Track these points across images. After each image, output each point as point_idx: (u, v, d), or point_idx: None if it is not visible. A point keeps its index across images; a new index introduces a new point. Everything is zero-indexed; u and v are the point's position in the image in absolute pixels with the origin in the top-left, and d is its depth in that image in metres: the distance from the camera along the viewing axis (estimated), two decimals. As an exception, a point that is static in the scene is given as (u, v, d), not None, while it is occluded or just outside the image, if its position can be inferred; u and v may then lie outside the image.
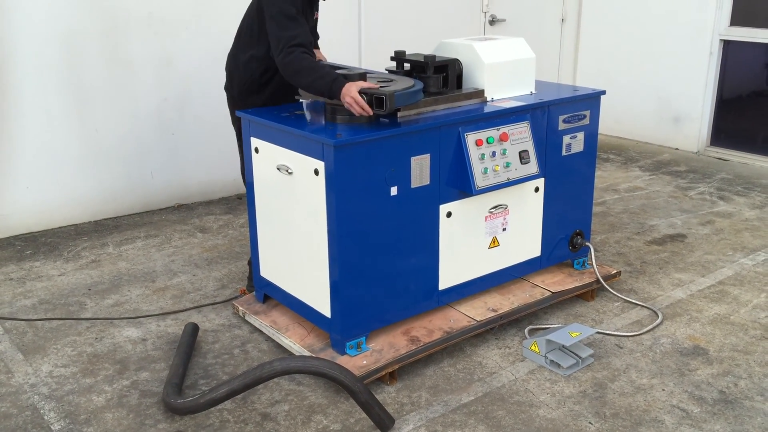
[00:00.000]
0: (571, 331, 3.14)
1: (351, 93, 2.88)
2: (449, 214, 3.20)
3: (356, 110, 2.90)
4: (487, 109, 3.28)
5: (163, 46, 4.87)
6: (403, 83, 3.10)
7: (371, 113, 2.91)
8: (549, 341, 3.12)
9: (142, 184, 5.00)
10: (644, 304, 3.67)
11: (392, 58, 3.48)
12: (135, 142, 4.91)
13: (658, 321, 3.50)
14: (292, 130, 2.99)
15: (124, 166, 4.90)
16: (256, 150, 3.25)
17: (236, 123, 3.47)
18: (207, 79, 5.04)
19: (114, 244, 4.49)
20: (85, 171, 4.76)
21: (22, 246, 4.45)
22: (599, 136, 6.94)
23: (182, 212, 5.05)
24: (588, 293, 3.71)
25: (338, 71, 3.08)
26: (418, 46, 4.15)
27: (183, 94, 5.03)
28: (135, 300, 3.76)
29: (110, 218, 4.90)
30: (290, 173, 3.05)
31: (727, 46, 6.29)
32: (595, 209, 5.02)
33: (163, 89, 4.94)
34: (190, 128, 5.10)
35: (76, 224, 4.78)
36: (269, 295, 3.48)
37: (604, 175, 5.89)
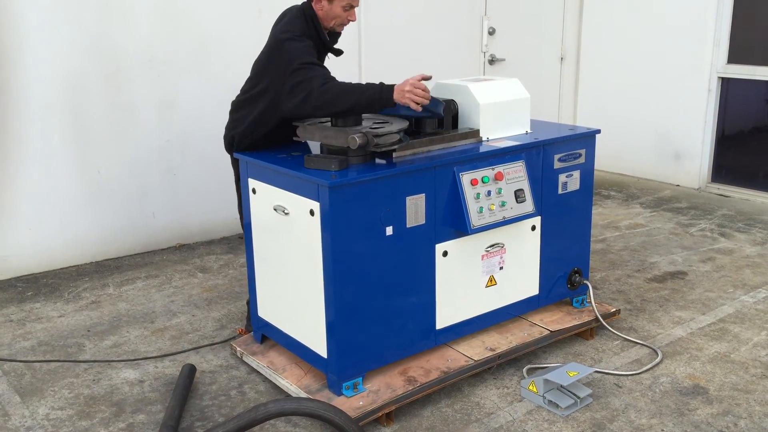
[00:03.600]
0: (569, 371, 3.12)
1: (406, 86, 2.93)
2: (445, 254, 3.21)
3: (419, 98, 2.95)
4: (482, 149, 3.31)
5: (165, 88, 4.95)
6: (399, 124, 3.14)
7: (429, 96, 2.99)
8: (547, 381, 3.10)
9: (144, 224, 5.04)
10: (644, 343, 3.64)
11: (388, 100, 3.52)
12: (137, 183, 4.96)
13: (658, 360, 3.47)
14: (288, 171, 3.02)
15: (125, 206, 4.94)
16: (254, 191, 3.29)
17: (235, 164, 3.50)
18: (209, 121, 5.11)
19: (114, 285, 4.50)
20: (87, 212, 4.80)
21: (23, 287, 4.47)
22: (600, 173, 7.02)
23: (183, 252, 5.07)
24: (587, 332, 3.69)
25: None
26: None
27: (185, 135, 5.09)
28: (133, 341, 3.76)
29: (112, 259, 4.93)
30: (287, 214, 3.08)
31: (726, 83, 6.34)
32: (596, 246, 5.02)
33: (165, 131, 5.01)
34: (192, 169, 5.15)
35: (77, 265, 4.81)
36: (267, 335, 3.47)
37: (605, 212, 5.90)
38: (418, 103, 3.01)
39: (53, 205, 4.67)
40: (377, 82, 3.04)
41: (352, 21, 3.26)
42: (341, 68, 5.75)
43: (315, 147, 3.28)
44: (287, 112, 3.11)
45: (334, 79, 3.04)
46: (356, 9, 3.28)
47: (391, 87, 2.99)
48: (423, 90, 2.95)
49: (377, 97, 2.96)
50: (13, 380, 3.38)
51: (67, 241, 4.78)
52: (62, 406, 3.17)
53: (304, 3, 3.33)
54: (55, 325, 3.96)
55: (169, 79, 4.94)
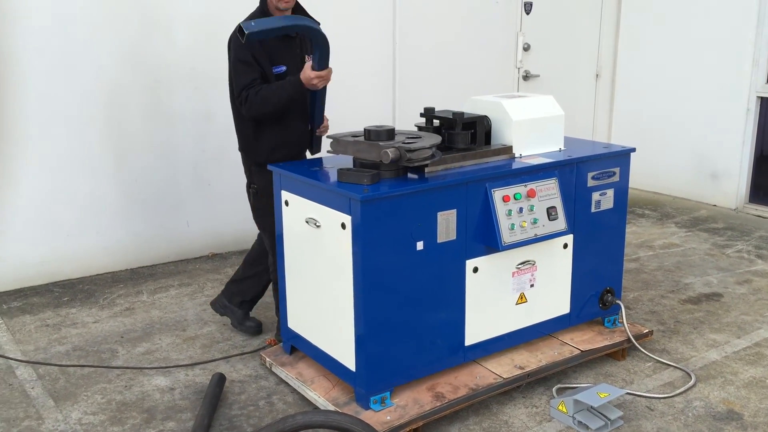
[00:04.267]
0: (599, 392, 3.08)
1: (311, 75, 3.34)
2: (476, 270, 3.20)
3: (324, 80, 3.38)
4: (514, 166, 3.30)
5: (203, 100, 5.03)
6: (431, 140, 3.15)
7: (330, 70, 3.39)
8: (577, 401, 3.06)
9: (178, 233, 5.11)
10: (677, 365, 3.59)
11: (422, 115, 3.54)
12: (172, 193, 5.04)
13: (691, 383, 3.41)
14: (320, 184, 3.05)
15: (161, 215, 5.02)
16: (286, 203, 3.32)
17: (249, 175, 3.75)
18: (244, 132, 5.18)
19: (148, 292, 4.57)
20: (123, 220, 4.89)
21: (60, 292, 4.57)
22: (634, 191, 6.94)
23: (216, 261, 5.13)
24: (619, 352, 3.65)
25: (368, 129, 3.14)
26: (451, 101, 4.22)
27: (221, 146, 5.16)
28: (165, 348, 3.81)
29: (146, 266, 5.01)
30: (318, 226, 3.10)
31: (765, 102, 6.24)
32: (629, 266, 4.96)
33: (202, 141, 5.09)
34: (227, 180, 5.21)
35: (113, 272, 4.89)
36: (296, 346, 3.49)
37: (639, 231, 5.83)
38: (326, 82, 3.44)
39: (91, 213, 4.77)
40: (286, 79, 3.45)
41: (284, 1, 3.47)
42: (377, 84, 5.84)
43: (348, 160, 3.30)
44: (248, 117, 3.54)
45: (251, 88, 3.42)
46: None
47: (299, 79, 3.38)
48: (326, 74, 3.38)
49: (295, 88, 3.38)
50: (47, 384, 3.44)
51: (103, 247, 4.87)
52: (95, 411, 3.22)
53: None
54: (90, 330, 4.03)
55: (207, 92, 5.02)
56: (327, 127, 3.74)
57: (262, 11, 3.54)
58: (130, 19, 4.71)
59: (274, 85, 3.43)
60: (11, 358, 3.67)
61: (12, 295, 4.51)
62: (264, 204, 3.60)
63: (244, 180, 5.38)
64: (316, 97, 3.58)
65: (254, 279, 3.93)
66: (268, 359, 3.53)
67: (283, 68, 3.53)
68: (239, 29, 3.09)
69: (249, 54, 3.41)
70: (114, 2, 4.63)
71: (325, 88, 3.55)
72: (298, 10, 3.64)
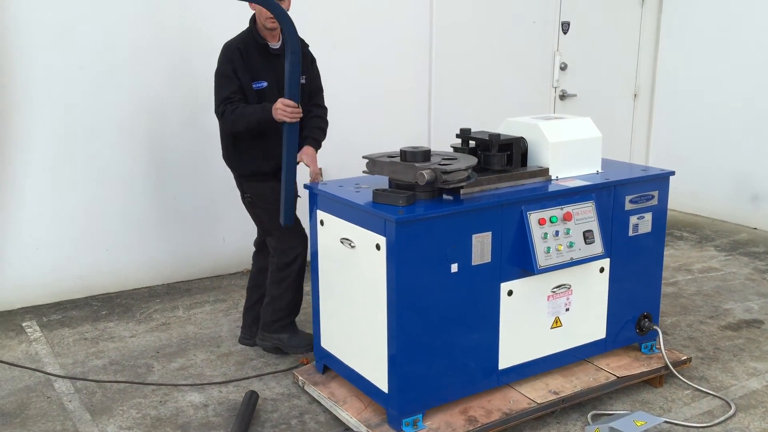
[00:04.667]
0: (636, 420, 3.02)
1: (277, 105, 3.37)
2: (510, 293, 3.18)
3: (288, 113, 3.37)
4: (550, 188, 3.28)
5: (240, 118, 5.09)
6: (467, 161, 3.15)
7: (296, 104, 3.39)
8: (613, 429, 3.01)
9: (214, 249, 5.17)
10: (716, 394, 3.50)
11: (457, 136, 3.54)
12: (209, 209, 5.11)
13: (731, 412, 3.33)
14: (355, 205, 3.06)
15: (197, 231, 5.09)
16: (321, 222, 3.34)
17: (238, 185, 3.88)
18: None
19: (184, 308, 4.62)
20: (161, 235, 4.97)
21: (98, 306, 4.64)
22: (672, 213, 6.83)
23: (250, 278, 5.17)
24: (656, 379, 3.58)
25: (404, 150, 3.15)
26: (487, 120, 4.22)
27: (257, 164, 5.21)
28: (200, 365, 3.85)
29: (182, 281, 5.07)
30: (353, 247, 3.11)
31: (809, 124, 6.11)
32: (667, 290, 4.88)
33: (239, 159, 5.15)
34: (262, 197, 5.27)
35: (150, 286, 4.97)
36: (329, 366, 3.50)
37: (677, 254, 5.73)
38: (290, 118, 3.41)
39: (130, 227, 4.85)
40: (261, 105, 3.51)
41: (270, 19, 3.49)
42: (413, 103, 5.85)
43: (383, 180, 3.31)
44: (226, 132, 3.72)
45: (230, 103, 3.54)
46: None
47: (269, 108, 3.43)
48: (291, 107, 3.38)
49: (264, 117, 3.44)
50: (84, 398, 3.50)
51: (141, 262, 4.94)
52: (130, 425, 3.26)
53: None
54: (127, 345, 4.09)
55: (244, 110, 5.09)
56: (318, 180, 3.60)
57: (250, 31, 3.64)
58: (171, 37, 4.81)
59: (250, 107, 3.52)
60: (49, 373, 3.73)
61: (52, 308, 4.60)
62: (262, 210, 3.75)
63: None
64: (285, 131, 3.48)
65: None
66: (300, 378, 3.54)
67: (264, 84, 3.61)
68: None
69: (230, 67, 3.54)
70: (155, 21, 4.73)
71: (296, 128, 3.49)
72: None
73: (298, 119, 3.46)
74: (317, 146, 3.77)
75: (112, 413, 3.36)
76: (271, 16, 3.44)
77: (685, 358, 3.68)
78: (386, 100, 5.75)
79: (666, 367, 3.57)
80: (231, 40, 3.66)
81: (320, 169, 3.68)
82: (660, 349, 3.63)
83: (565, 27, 6.58)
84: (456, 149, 3.53)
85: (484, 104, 6.04)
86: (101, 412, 3.38)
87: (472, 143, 3.49)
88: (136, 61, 4.71)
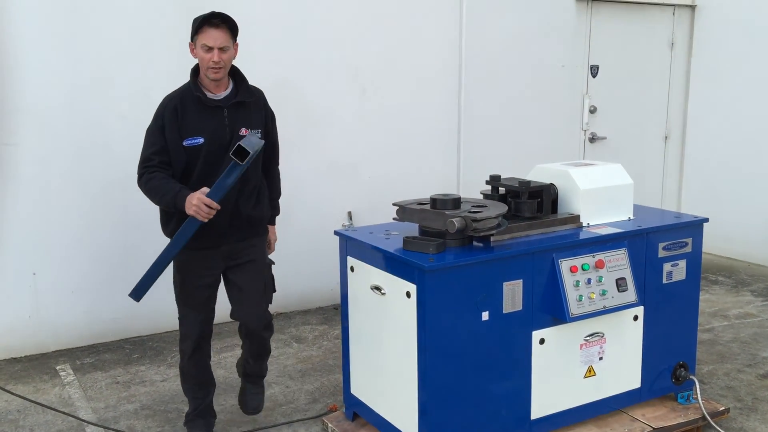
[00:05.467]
0: (673, 474, 2.94)
1: (193, 200, 3.03)
2: (542, 341, 3.14)
3: (202, 214, 3.03)
4: (582, 236, 3.27)
5: (272, 163, 5.17)
6: (497, 209, 3.15)
7: (217, 207, 3.05)
8: (649, 483, 2.93)
9: (245, 292, 5.20)
10: (756, 447, 3.41)
11: (487, 182, 3.55)
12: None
13: (773, 467, 3.23)
14: (386, 252, 3.07)
15: (229, 275, 5.12)
16: (352, 269, 3.35)
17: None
18: (310, 193, 5.30)
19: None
20: (193, 279, 5.01)
21: (130, 349, 4.69)
22: (707, 256, 6.73)
23: (280, 321, 5.19)
24: (693, 430, 3.49)
25: (434, 197, 3.16)
26: (517, 164, 4.22)
27: (286, 207, 5.15)
28: (229, 410, 3.85)
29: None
30: (383, 294, 3.12)
31: None
32: (703, 336, 4.78)
33: (270, 203, 5.21)
34: (292, 239, 5.29)
35: (181, 330, 4.99)
36: (358, 413, 3.47)
37: (713, 299, 5.62)
38: (203, 218, 3.07)
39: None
40: (177, 188, 3.10)
41: (215, 61, 3.09)
42: (442, 148, 5.88)
43: (413, 228, 3.32)
44: None
45: (149, 166, 3.16)
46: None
47: (184, 197, 3.06)
48: (207, 205, 3.03)
49: (172, 204, 3.09)
50: (115, 442, 3.52)
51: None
52: (159, 472, 3.26)
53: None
54: (158, 389, 4.11)
55: (276, 154, 5.17)
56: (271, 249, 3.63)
57: (194, 84, 3.19)
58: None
59: (166, 185, 3.10)
60: (81, 419, 3.75)
61: (85, 351, 4.65)
62: (178, 288, 3.47)
63: (309, 240, 5.51)
64: (187, 223, 3.12)
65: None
66: (330, 425, 3.52)
67: (199, 140, 3.16)
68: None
69: (158, 124, 3.18)
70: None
71: (197, 223, 3.10)
72: (238, 78, 3.30)
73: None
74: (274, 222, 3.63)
75: (142, 459, 3.37)
76: (215, 64, 3.09)
77: (723, 408, 3.59)
78: (415, 145, 5.79)
79: (703, 417, 3.48)
80: (170, 94, 3.26)
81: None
82: (697, 399, 3.55)
83: (594, 71, 6.60)
84: (486, 196, 3.54)
85: (513, 148, 6.05)
86: (132, 457, 3.39)
87: (502, 190, 3.50)
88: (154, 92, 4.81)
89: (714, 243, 6.58)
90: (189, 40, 3.19)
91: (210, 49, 3.10)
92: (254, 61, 5.01)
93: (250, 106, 3.29)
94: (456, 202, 3.15)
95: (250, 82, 5.26)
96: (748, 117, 6.56)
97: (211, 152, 3.18)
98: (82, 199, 4.65)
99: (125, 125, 4.68)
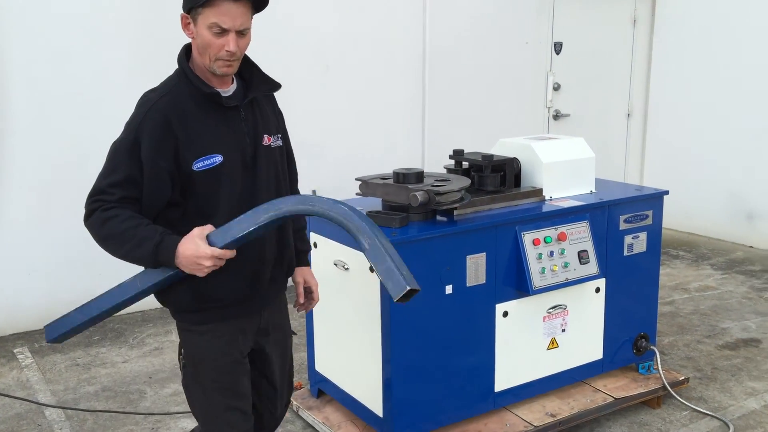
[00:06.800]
0: (634, 442, 2.99)
1: (196, 251, 2.00)
2: (506, 314, 3.15)
3: (207, 269, 2.02)
4: (544, 209, 3.27)
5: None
6: (460, 182, 3.14)
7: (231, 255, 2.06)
8: (610, 451, 2.97)
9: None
10: (714, 414, 3.47)
11: (451, 157, 3.54)
12: (203, 232, 5.07)
13: (730, 433, 3.30)
14: (349, 228, 3.04)
15: (191, 255, 5.05)
16: (315, 245, 3.32)
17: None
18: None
19: (177, 332, 4.57)
20: (154, 259, 4.92)
21: (90, 331, 4.60)
22: (668, 231, 6.82)
23: (245, 301, 5.13)
24: (654, 400, 3.54)
25: (397, 171, 3.13)
26: (481, 141, 4.21)
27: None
28: (178, 391, 3.79)
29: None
30: (347, 269, 3.09)
31: (802, 142, 6.13)
32: (664, 309, 4.85)
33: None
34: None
35: (143, 311, 4.92)
36: (323, 390, 3.46)
37: (674, 273, 5.71)
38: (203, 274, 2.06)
39: (123, 252, 4.81)
40: (158, 234, 2.03)
41: (230, 51, 2.08)
42: (407, 125, 5.86)
43: (376, 202, 3.29)
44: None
45: (112, 215, 2.06)
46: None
47: (173, 245, 2.02)
48: (216, 261, 2.03)
49: (150, 256, 2.03)
50: (75, 425, 3.45)
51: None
52: (121, 453, 3.22)
53: (180, 51, 2.26)
54: (119, 370, 4.05)
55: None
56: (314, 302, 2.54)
57: (184, 76, 2.18)
58: (167, 65, 4.77)
59: (135, 228, 2.04)
60: (40, 403, 3.68)
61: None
62: (193, 381, 2.26)
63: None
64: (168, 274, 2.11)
65: None
66: (295, 402, 3.50)
67: (217, 159, 2.12)
68: None
69: (133, 138, 2.09)
70: (151, 48, 4.72)
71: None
72: (246, 63, 2.28)
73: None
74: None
75: (103, 441, 3.32)
76: (230, 56, 2.09)
77: (683, 378, 3.65)
78: (380, 122, 5.76)
79: (664, 387, 3.54)
80: (151, 92, 2.22)
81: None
82: (657, 369, 3.61)
83: (558, 47, 6.61)
84: (449, 171, 3.52)
85: (477, 125, 6.05)
86: (92, 439, 3.33)
87: (465, 164, 3.49)
88: (132, 88, 4.68)
89: (675, 219, 6.70)
90: (181, 11, 2.13)
91: (224, 32, 2.06)
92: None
93: (261, 102, 2.31)
94: (419, 176, 3.12)
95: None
96: (708, 94, 6.64)
97: (232, 175, 2.14)
98: (37, 179, 4.53)
99: (81, 102, 4.56)
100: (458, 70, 6.04)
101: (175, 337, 4.49)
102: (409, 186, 3.03)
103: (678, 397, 3.56)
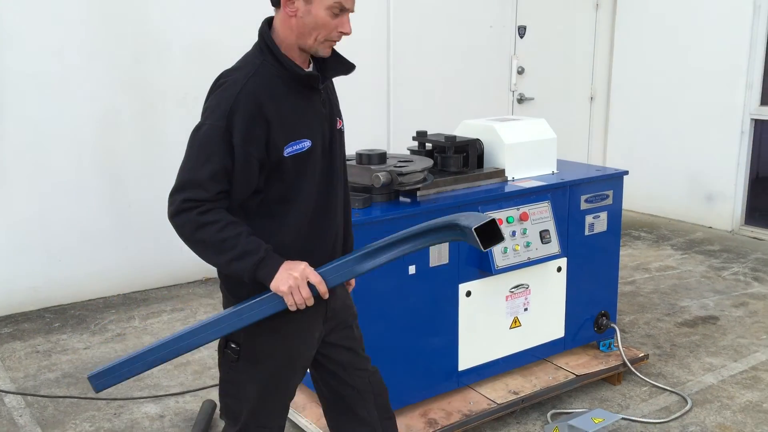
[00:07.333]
0: (594, 417, 3.04)
1: (297, 271, 1.94)
2: (469, 294, 3.18)
3: (299, 302, 1.95)
4: (507, 189, 3.30)
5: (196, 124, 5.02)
6: (423, 163, 3.14)
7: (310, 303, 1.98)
8: (572, 427, 3.02)
9: (171, 258, 5.07)
10: (673, 390, 3.55)
11: (414, 138, 3.54)
12: (165, 217, 5.00)
13: (687, 408, 3.37)
14: (312, 209, 3.03)
15: (154, 240, 4.99)
16: (278, 227, 3.30)
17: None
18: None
19: (140, 318, 4.53)
20: (116, 245, 4.86)
21: (51, 318, 4.53)
22: (630, 213, 6.93)
23: (209, 286, 5.10)
24: (614, 377, 3.61)
25: (359, 152, 3.12)
26: (446, 124, 4.22)
27: (214, 170, 5.15)
28: (156, 375, 3.77)
29: (138, 291, 4.97)
30: (310, 251, 3.08)
31: (760, 125, 6.25)
32: (625, 288, 4.94)
33: (196, 166, 5.07)
34: (220, 204, 5.20)
35: (105, 297, 4.86)
36: (288, 372, 3.45)
37: (635, 254, 5.81)
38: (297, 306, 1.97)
39: (83, 238, 4.74)
40: (262, 250, 1.94)
41: (346, 34, 2.07)
42: (371, 107, 5.85)
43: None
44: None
45: (214, 219, 1.94)
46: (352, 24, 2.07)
47: (275, 266, 1.95)
48: (316, 293, 1.99)
49: (250, 272, 1.94)
50: (36, 412, 3.40)
51: (95, 273, 4.83)
52: (83, 439, 3.18)
53: (261, 26, 2.11)
54: (80, 357, 3.99)
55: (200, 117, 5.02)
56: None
57: (272, 54, 2.03)
58: (124, 44, 4.73)
59: (238, 238, 1.93)
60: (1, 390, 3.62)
61: (2, 321, 4.47)
62: (247, 378, 2.13)
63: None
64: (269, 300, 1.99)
65: None
66: (259, 385, 3.49)
67: (306, 144, 2.03)
68: None
69: (225, 124, 1.93)
70: (108, 27, 4.65)
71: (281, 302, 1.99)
72: (334, 58, 2.18)
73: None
74: None
75: (64, 427, 3.27)
76: (338, 38, 2.07)
77: (643, 355, 3.72)
78: (345, 105, 5.68)
79: (624, 364, 3.60)
80: (233, 72, 2.05)
81: None
82: (618, 347, 3.67)
83: (522, 31, 6.64)
84: (413, 152, 3.52)
85: (442, 108, 6.06)
86: (53, 426, 3.28)
87: (428, 146, 3.50)
88: (86, 68, 4.62)
89: (637, 201, 6.81)
90: None
91: (343, 11, 2.01)
92: (169, 20, 4.86)
93: (330, 85, 2.25)
94: (382, 157, 3.12)
95: (163, 43, 5.12)
96: (669, 78, 6.74)
97: (315, 160, 2.07)
98: (-6, 163, 4.43)
99: (37, 84, 4.46)
100: (423, 54, 6.04)
101: (138, 323, 4.44)
102: (372, 167, 3.03)
103: (638, 374, 3.63)
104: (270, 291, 1.96)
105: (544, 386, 3.34)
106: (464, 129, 3.59)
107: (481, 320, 3.24)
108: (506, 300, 3.31)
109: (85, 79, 4.62)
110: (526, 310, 3.39)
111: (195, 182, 1.93)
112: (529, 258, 3.25)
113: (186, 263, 5.13)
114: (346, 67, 2.19)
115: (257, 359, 2.11)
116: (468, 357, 3.24)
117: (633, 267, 5.47)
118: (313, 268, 1.99)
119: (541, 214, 3.31)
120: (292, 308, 1.96)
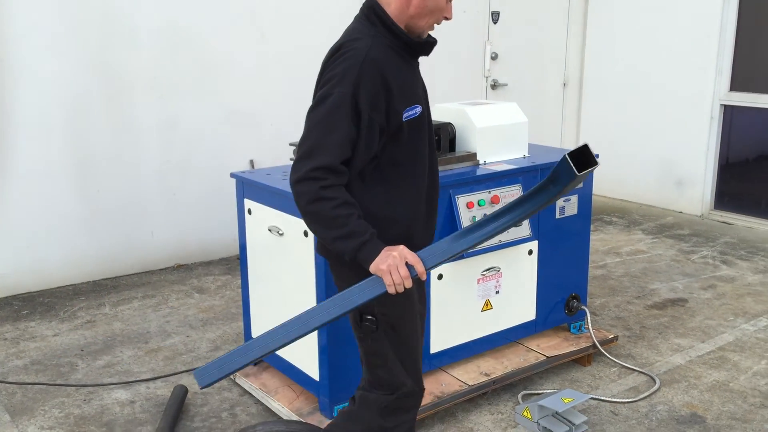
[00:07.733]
0: (564, 397, 3.07)
1: (397, 253, 1.98)
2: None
3: (398, 287, 1.98)
4: (478, 172, 3.31)
5: (167, 109, 4.97)
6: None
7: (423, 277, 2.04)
8: (542, 407, 3.05)
9: (142, 244, 5.03)
10: (641, 370, 3.60)
11: (386, 122, 3.52)
12: (136, 203, 4.97)
13: (655, 387, 3.42)
14: (283, 192, 3.01)
15: (124, 226, 4.94)
16: (249, 211, 3.28)
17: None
18: (209, 142, 5.14)
19: (110, 305, 4.48)
20: (85, 231, 4.80)
21: (19, 306, 4.46)
22: (602, 198, 6.99)
23: (181, 272, 5.06)
24: (584, 358, 3.65)
25: None
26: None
27: (185, 156, 5.10)
28: (127, 361, 3.74)
29: (109, 278, 4.92)
30: (281, 234, 3.07)
31: (729, 110, 6.34)
32: (596, 272, 4.99)
33: (167, 151, 5.03)
34: (192, 189, 5.16)
35: (74, 284, 4.80)
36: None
37: (606, 238, 5.87)
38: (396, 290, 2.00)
39: (52, 224, 4.67)
40: (367, 234, 2.01)
41: (448, 19, 2.24)
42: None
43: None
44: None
45: (328, 172, 1.99)
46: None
47: (376, 250, 2.00)
48: (418, 276, 2.02)
49: (352, 252, 2.01)
50: (3, 399, 3.35)
51: (64, 259, 4.77)
52: (52, 425, 3.14)
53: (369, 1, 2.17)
54: (49, 344, 3.94)
55: (171, 100, 4.97)
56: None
57: (385, 26, 2.13)
58: (92, 27, 4.65)
59: (350, 217, 1.99)
60: (-34, 373, 3.57)
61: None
62: (385, 345, 2.24)
63: (209, 191, 5.39)
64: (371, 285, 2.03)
65: None
66: (231, 370, 3.47)
67: (418, 109, 2.16)
68: None
69: (352, 91, 2.00)
70: (75, 9, 4.56)
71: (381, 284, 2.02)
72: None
73: None
74: None
75: (33, 413, 3.23)
76: (439, 19, 2.20)
77: (612, 336, 3.77)
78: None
79: (594, 346, 3.64)
80: (352, 42, 2.10)
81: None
82: (588, 328, 3.71)
83: (495, 17, 6.64)
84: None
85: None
86: (21, 412, 3.24)
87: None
88: (55, 51, 4.53)
89: (608, 186, 6.87)
90: None
91: None
92: (137, 4, 4.78)
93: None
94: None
95: (132, 25, 5.04)
96: (640, 64, 6.79)
97: (423, 125, 2.20)
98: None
99: (1, 69, 4.37)
100: (396, 39, 6.00)
101: (108, 310, 4.40)
102: (343, 150, 3.01)
103: (607, 355, 3.68)
104: (371, 276, 2.02)
105: (515, 368, 3.37)
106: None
107: (453, 303, 3.26)
108: (478, 283, 3.33)
109: (51, 63, 4.53)
110: (497, 292, 3.40)
111: (323, 149, 1.99)
112: (500, 241, 3.26)
113: (157, 250, 5.10)
114: (431, 47, 2.31)
115: (393, 324, 2.21)
116: (440, 340, 3.25)
117: (604, 251, 5.53)
118: (414, 257, 2.02)
119: (513, 197, 3.32)
120: (390, 289, 1.99)
